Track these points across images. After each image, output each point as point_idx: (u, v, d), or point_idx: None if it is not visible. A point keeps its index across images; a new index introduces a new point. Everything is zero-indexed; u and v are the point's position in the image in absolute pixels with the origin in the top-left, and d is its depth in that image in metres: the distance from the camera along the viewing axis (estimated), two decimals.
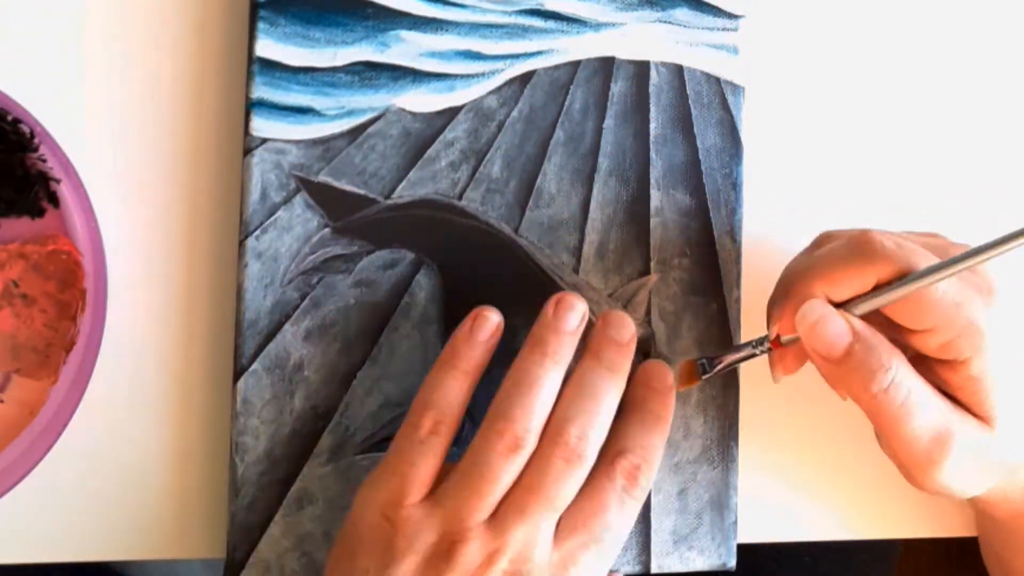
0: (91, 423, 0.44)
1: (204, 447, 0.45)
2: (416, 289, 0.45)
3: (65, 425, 0.42)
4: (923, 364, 0.41)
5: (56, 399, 0.42)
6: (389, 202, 0.45)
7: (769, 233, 0.50)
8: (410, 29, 0.45)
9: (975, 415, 0.41)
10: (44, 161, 0.41)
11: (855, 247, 0.40)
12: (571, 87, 0.47)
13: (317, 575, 0.44)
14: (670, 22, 0.47)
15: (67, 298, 0.42)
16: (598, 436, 0.40)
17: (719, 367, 0.44)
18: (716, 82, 0.48)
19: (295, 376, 0.44)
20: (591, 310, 0.46)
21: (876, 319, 0.41)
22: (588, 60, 0.47)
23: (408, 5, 0.45)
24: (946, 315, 0.39)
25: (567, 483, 0.39)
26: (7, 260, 0.42)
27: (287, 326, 0.44)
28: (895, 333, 0.41)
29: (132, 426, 0.44)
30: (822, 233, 0.44)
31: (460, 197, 0.45)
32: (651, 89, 0.47)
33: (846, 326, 0.40)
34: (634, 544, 0.47)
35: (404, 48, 0.45)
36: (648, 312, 0.47)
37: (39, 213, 0.42)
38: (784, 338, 0.42)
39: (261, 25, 0.43)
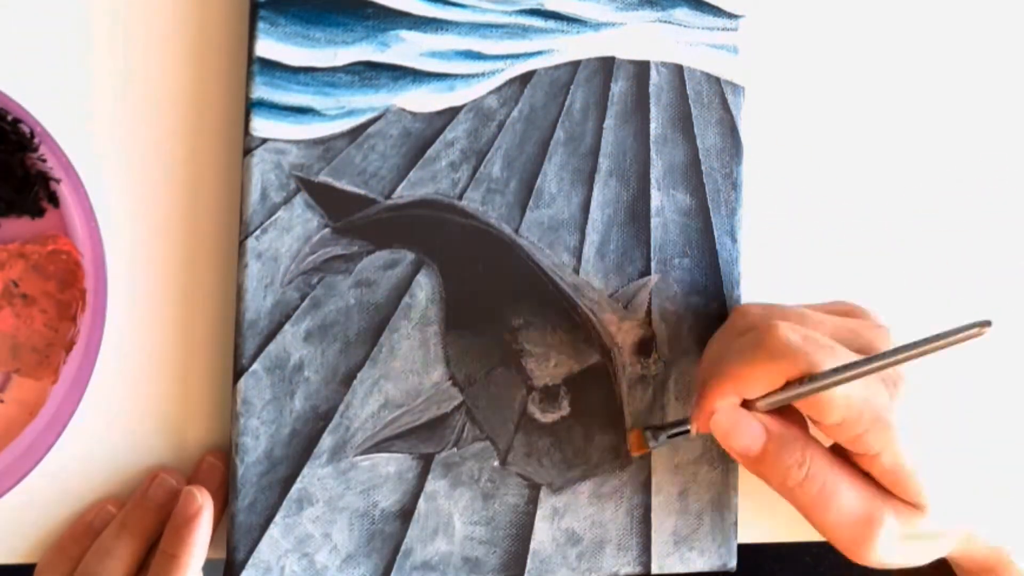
0: (91, 423, 0.44)
1: (204, 447, 0.45)
2: (416, 289, 0.45)
3: (65, 425, 0.42)
4: (851, 453, 0.42)
5: (56, 399, 0.42)
6: (389, 202, 0.45)
7: (769, 233, 0.50)
8: (410, 29, 0.45)
9: (901, 500, 0.41)
10: (44, 161, 0.41)
11: (762, 345, 0.40)
12: (571, 87, 0.47)
13: None
14: (670, 22, 0.47)
15: (67, 298, 0.42)
16: None
17: (664, 439, 0.45)
18: (716, 82, 0.48)
19: (295, 376, 0.44)
20: (591, 310, 0.47)
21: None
22: (588, 60, 0.47)
23: (408, 5, 0.45)
24: (852, 412, 0.39)
25: None
26: (7, 260, 0.42)
27: (287, 326, 0.44)
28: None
29: (132, 426, 0.44)
30: (736, 309, 0.45)
31: (460, 197, 0.45)
32: (651, 89, 0.47)
33: (760, 429, 0.41)
34: (635, 545, 0.47)
35: (404, 48, 0.45)
36: (649, 312, 0.47)
37: (39, 213, 0.42)
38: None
39: (261, 25, 0.43)
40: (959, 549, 0.44)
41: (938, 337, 0.38)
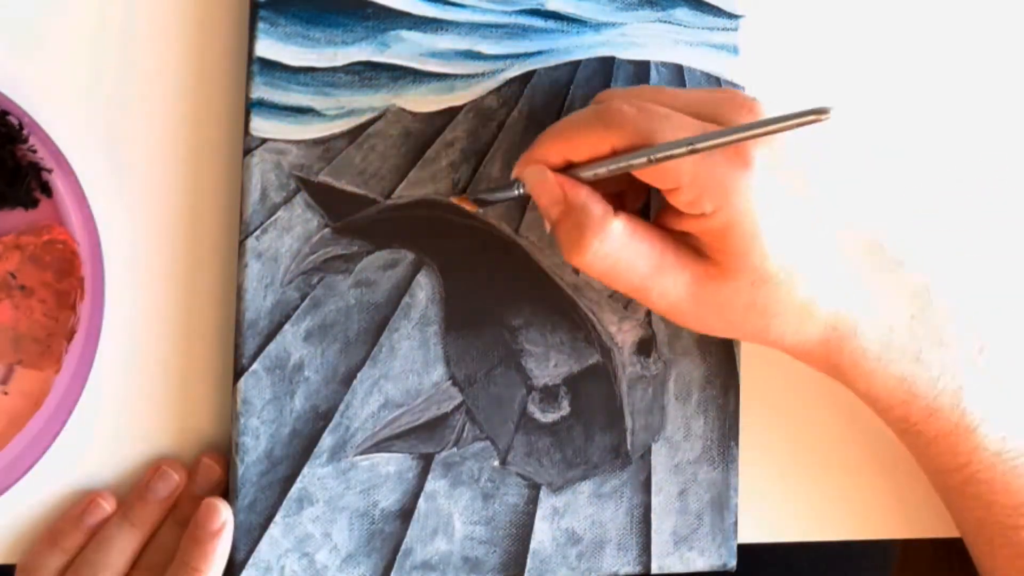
0: (95, 412, 0.44)
1: (204, 447, 0.45)
2: (416, 289, 0.45)
3: (70, 414, 0.42)
4: (676, 215, 0.41)
5: (60, 388, 0.42)
6: (389, 202, 0.45)
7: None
8: (410, 29, 0.45)
9: (712, 261, 0.41)
10: (35, 152, 0.41)
11: (597, 114, 0.40)
12: (571, 87, 0.47)
13: None
14: (670, 22, 0.47)
15: (65, 287, 0.42)
16: None
17: (492, 196, 0.45)
18: (716, 82, 0.48)
19: (295, 376, 0.44)
20: (591, 310, 0.47)
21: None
22: (588, 60, 0.47)
23: (408, 5, 0.45)
24: (684, 178, 0.39)
25: None
26: (3, 252, 0.42)
27: (287, 326, 0.44)
28: None
29: (132, 427, 0.44)
30: (604, 91, 0.44)
31: None
32: None
33: (559, 194, 0.41)
34: (634, 545, 0.47)
35: (404, 48, 0.45)
36: (649, 312, 0.47)
37: (33, 204, 0.42)
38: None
39: (261, 25, 0.43)
40: (790, 339, 0.43)
41: (776, 120, 0.37)
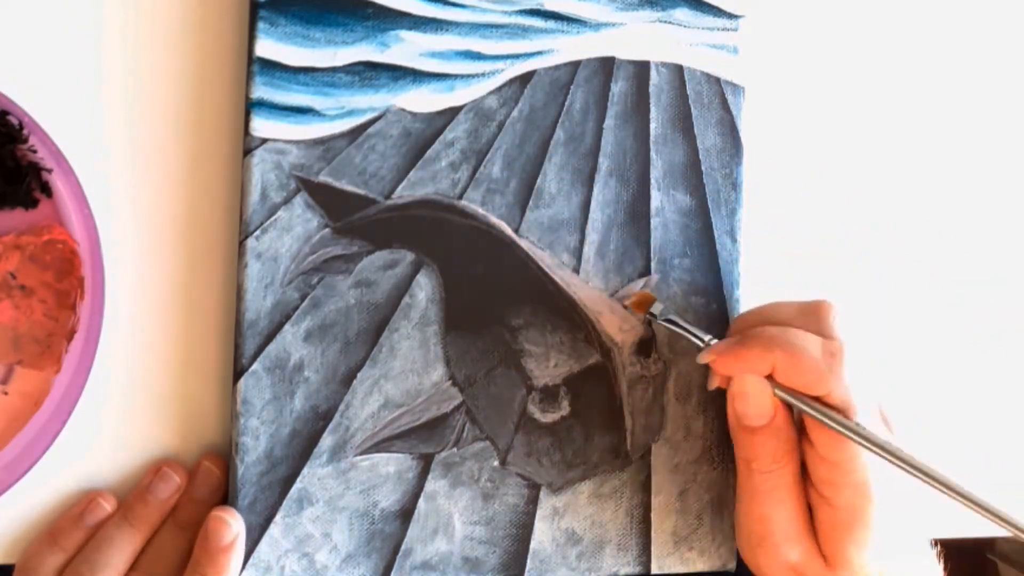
0: (95, 411, 0.44)
1: (204, 448, 0.45)
2: (416, 289, 0.45)
3: (70, 413, 0.42)
4: (810, 485, 0.43)
5: (60, 388, 0.42)
6: (389, 202, 0.45)
7: (769, 233, 0.50)
8: (410, 29, 0.45)
9: (817, 546, 0.42)
10: (35, 152, 0.41)
11: (827, 360, 0.41)
12: (571, 87, 0.47)
13: None
14: (670, 22, 0.47)
15: (65, 287, 0.42)
16: None
17: (667, 324, 0.45)
18: (716, 82, 0.48)
19: (295, 376, 0.44)
20: (591, 310, 0.47)
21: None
22: (588, 60, 0.47)
23: (408, 5, 0.45)
24: (849, 464, 0.40)
25: None
26: (3, 252, 0.42)
27: (287, 326, 0.44)
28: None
29: (132, 427, 0.44)
30: (823, 303, 0.44)
31: (460, 197, 0.45)
32: (651, 89, 0.47)
33: (772, 411, 0.42)
34: (635, 545, 0.47)
35: (404, 48, 0.45)
36: None
37: (32, 204, 0.42)
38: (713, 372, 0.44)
39: (261, 25, 0.43)
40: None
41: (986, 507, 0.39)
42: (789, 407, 0.42)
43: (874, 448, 0.40)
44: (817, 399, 0.41)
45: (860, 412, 0.40)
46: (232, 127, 0.45)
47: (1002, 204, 0.53)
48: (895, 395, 0.51)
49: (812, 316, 0.43)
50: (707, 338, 0.44)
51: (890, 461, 0.39)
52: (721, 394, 0.48)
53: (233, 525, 0.42)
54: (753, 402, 0.42)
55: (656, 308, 0.45)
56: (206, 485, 0.43)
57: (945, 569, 0.47)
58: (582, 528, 0.47)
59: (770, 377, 0.42)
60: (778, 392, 0.42)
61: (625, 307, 0.47)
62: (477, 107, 0.46)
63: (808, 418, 0.41)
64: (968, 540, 0.52)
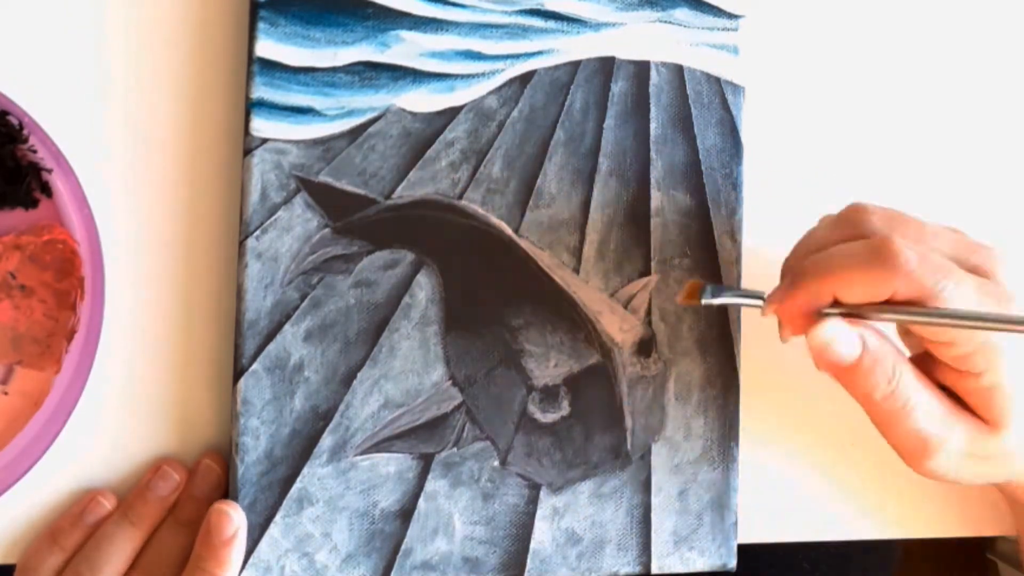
0: (95, 412, 0.44)
1: (204, 448, 0.45)
2: (416, 289, 0.45)
3: (70, 414, 0.42)
4: (936, 364, 0.42)
5: (60, 388, 0.42)
6: (389, 202, 0.45)
7: (769, 233, 0.50)
8: (410, 29, 0.45)
9: (981, 418, 0.41)
10: (35, 152, 0.41)
11: (877, 255, 0.39)
12: (571, 87, 0.47)
13: None
14: (670, 22, 0.47)
15: (65, 287, 0.42)
16: None
17: (720, 301, 0.44)
18: (716, 82, 0.48)
19: (295, 376, 0.44)
20: (591, 310, 0.47)
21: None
22: (588, 60, 0.47)
23: (408, 5, 0.45)
24: (963, 334, 0.39)
25: None
26: (3, 252, 0.42)
27: (287, 326, 0.44)
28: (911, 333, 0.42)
29: (132, 427, 0.44)
30: (854, 206, 0.42)
31: (460, 197, 0.45)
32: (651, 89, 0.47)
33: (858, 343, 0.40)
34: (635, 545, 0.47)
35: (404, 48, 0.45)
36: (649, 312, 0.47)
37: (33, 204, 0.42)
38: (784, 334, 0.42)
39: (261, 25, 0.43)
40: (1020, 477, 0.44)
41: None
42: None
43: (965, 324, 0.38)
44: (890, 301, 0.39)
45: (939, 280, 0.38)
46: (232, 127, 0.45)
47: (1003, 204, 0.53)
48: None
49: (847, 225, 0.42)
50: (763, 295, 0.43)
51: (984, 328, 0.38)
52: (721, 394, 0.48)
53: (235, 518, 0.42)
54: (835, 346, 0.40)
55: (705, 294, 0.43)
56: (206, 482, 0.44)
57: (945, 569, 0.47)
58: (582, 528, 0.47)
59: (836, 303, 0.40)
60: (872, 318, 0.40)
61: (680, 304, 0.45)
62: (477, 107, 0.46)
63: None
64: (968, 540, 0.52)
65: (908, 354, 0.42)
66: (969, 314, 0.38)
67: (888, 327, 0.43)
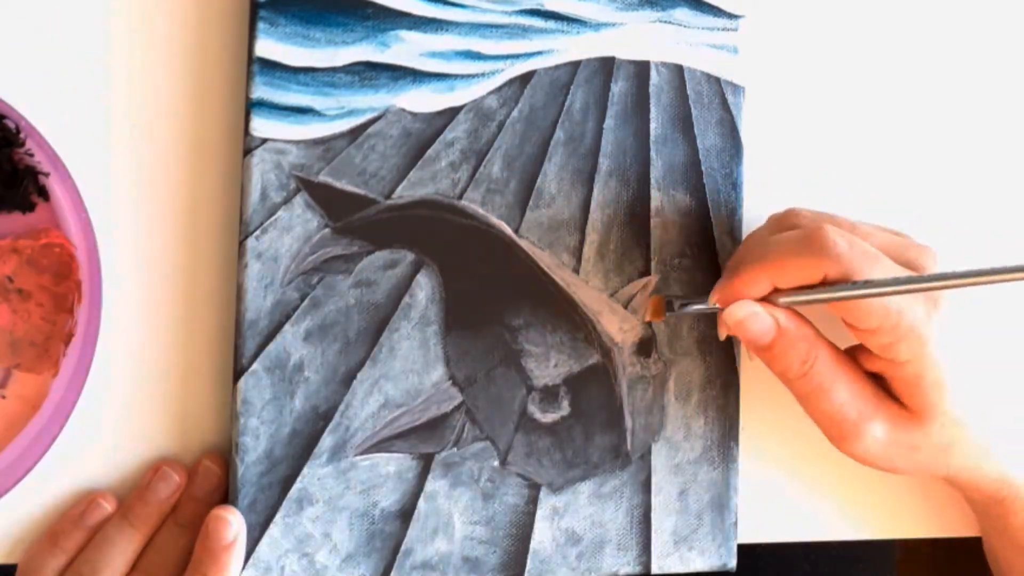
0: (93, 415, 0.44)
1: (204, 448, 0.45)
2: (416, 289, 0.45)
3: (68, 417, 0.42)
4: (866, 354, 0.43)
5: (58, 392, 0.42)
6: (389, 202, 0.45)
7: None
8: (410, 29, 0.45)
9: (908, 407, 0.43)
10: (32, 156, 0.41)
11: (807, 242, 0.41)
12: (571, 87, 0.47)
13: None
14: (670, 22, 0.47)
15: (63, 290, 0.42)
16: None
17: (685, 310, 0.46)
18: (716, 82, 0.48)
19: (295, 376, 0.44)
20: (591, 310, 0.47)
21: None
22: (588, 60, 0.47)
23: (408, 5, 0.45)
24: (888, 321, 0.40)
25: None
26: (0, 256, 0.42)
27: (287, 326, 0.44)
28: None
29: (131, 428, 0.44)
30: (789, 210, 0.45)
31: (460, 197, 0.45)
32: (651, 89, 0.47)
33: (771, 323, 0.42)
34: (634, 545, 0.47)
35: (404, 48, 0.45)
36: None
37: (30, 207, 0.42)
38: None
39: (261, 25, 0.43)
40: (965, 475, 0.45)
41: (987, 272, 0.38)
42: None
43: (893, 291, 0.39)
44: (823, 283, 0.41)
45: (868, 264, 0.40)
46: (232, 127, 0.45)
47: (1004, 203, 0.53)
48: None
49: (784, 223, 0.44)
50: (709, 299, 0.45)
51: (912, 290, 0.39)
52: (721, 394, 0.48)
53: (234, 523, 0.42)
54: (748, 324, 0.42)
55: (670, 308, 0.46)
56: (206, 484, 0.43)
57: (944, 569, 0.47)
58: (582, 528, 0.47)
59: (777, 291, 0.42)
60: (782, 301, 0.42)
61: (647, 322, 0.47)
62: (477, 107, 0.46)
63: (829, 305, 0.41)
64: (968, 540, 0.52)
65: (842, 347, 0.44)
66: (887, 281, 0.40)
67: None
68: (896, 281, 0.39)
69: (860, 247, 0.41)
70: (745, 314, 0.42)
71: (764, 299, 0.43)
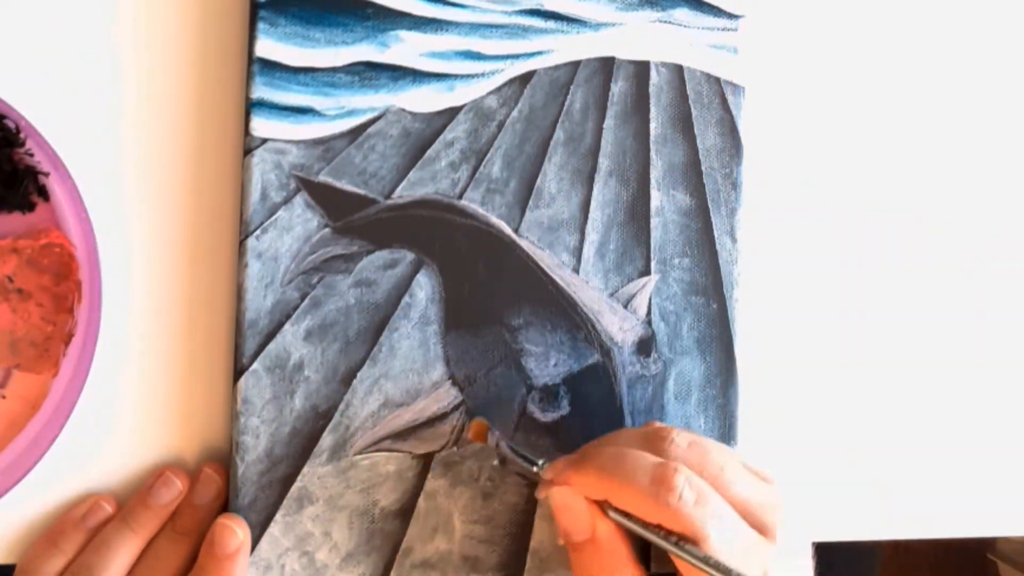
0: (93, 415, 0.44)
1: (204, 447, 0.45)
2: (416, 289, 0.45)
3: (68, 417, 0.42)
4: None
5: (57, 392, 0.42)
6: (389, 202, 0.45)
7: (769, 233, 0.50)
8: (410, 29, 0.45)
9: None
10: (32, 156, 0.41)
11: (656, 482, 0.39)
12: (571, 87, 0.47)
13: (317, 575, 0.44)
14: (670, 22, 0.47)
15: (63, 290, 0.42)
16: None
17: (502, 450, 0.44)
18: (716, 82, 0.48)
19: (295, 376, 0.44)
20: (591, 310, 0.47)
21: None
22: (588, 60, 0.47)
23: (408, 5, 0.45)
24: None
25: None
26: (1, 256, 0.42)
27: (287, 326, 0.44)
28: None
29: (131, 428, 0.44)
30: (663, 428, 0.42)
31: (460, 197, 0.46)
32: (651, 89, 0.47)
33: (588, 528, 0.41)
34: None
35: (404, 48, 0.45)
36: (649, 312, 0.47)
37: (30, 208, 0.42)
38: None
39: (261, 25, 0.43)
40: None
41: None
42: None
43: (712, 573, 0.38)
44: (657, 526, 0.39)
45: (709, 527, 0.38)
46: (232, 127, 0.45)
47: (1004, 203, 0.53)
48: (893, 396, 0.51)
49: (651, 439, 0.42)
50: (540, 462, 0.43)
51: None
52: (720, 395, 0.48)
53: (239, 533, 0.42)
54: (568, 516, 0.41)
55: (490, 438, 0.44)
56: (207, 491, 0.44)
57: (945, 569, 0.47)
58: None
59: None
60: (612, 514, 0.40)
61: (468, 440, 0.46)
62: (477, 107, 0.46)
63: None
64: (969, 540, 0.52)
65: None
66: (716, 565, 0.38)
67: None
68: (722, 568, 0.38)
69: (706, 504, 0.39)
70: (565, 503, 0.41)
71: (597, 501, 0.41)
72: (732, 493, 0.40)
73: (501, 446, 0.44)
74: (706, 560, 0.38)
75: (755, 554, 0.39)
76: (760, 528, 0.40)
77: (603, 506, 0.41)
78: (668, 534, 0.39)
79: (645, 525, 0.39)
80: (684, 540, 0.38)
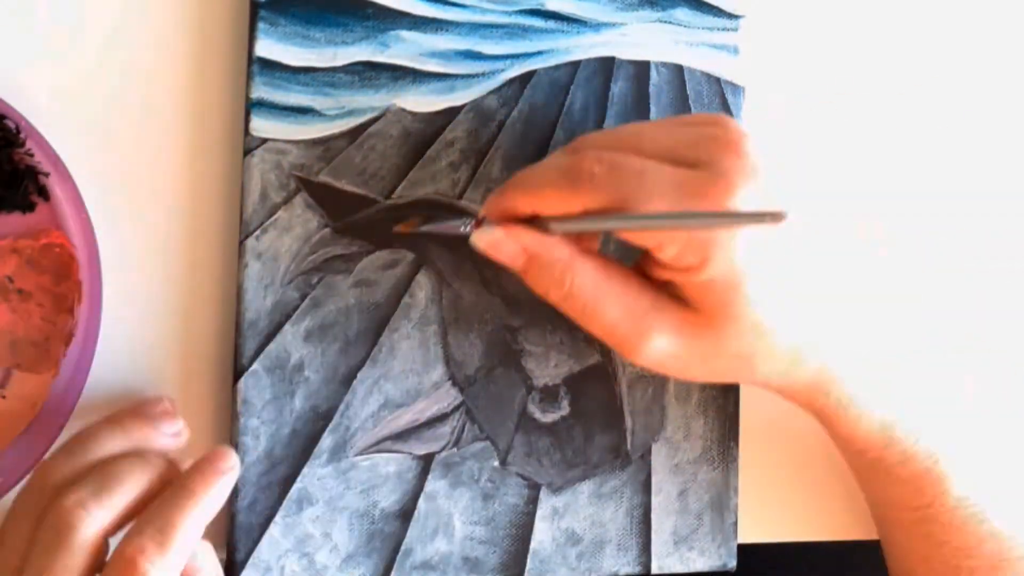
0: (93, 416, 0.44)
1: (204, 447, 0.45)
2: (416, 289, 0.45)
3: (68, 418, 0.42)
4: (655, 264, 0.40)
5: (58, 392, 0.42)
6: (389, 202, 0.45)
7: (769, 233, 0.49)
8: (410, 29, 0.45)
9: (698, 311, 0.40)
10: (32, 156, 0.41)
11: (565, 173, 0.38)
12: (571, 87, 0.47)
13: None
14: (670, 22, 0.47)
15: (63, 291, 0.42)
16: (102, 510, 0.37)
17: (424, 228, 0.44)
18: (716, 82, 0.48)
19: (295, 376, 0.44)
20: None
21: None
22: (588, 60, 0.47)
23: (408, 5, 0.45)
24: (665, 233, 0.38)
25: (55, 552, 0.37)
26: (1, 256, 0.42)
27: (287, 326, 0.44)
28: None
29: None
30: (582, 136, 0.42)
31: (460, 197, 0.46)
32: (651, 89, 0.47)
33: (517, 249, 0.40)
34: (634, 545, 0.47)
35: (404, 48, 0.45)
36: None
37: (30, 208, 0.42)
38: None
39: (261, 25, 0.43)
40: (776, 381, 0.42)
41: (736, 216, 0.37)
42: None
43: (655, 224, 0.37)
44: (587, 213, 0.38)
45: (627, 189, 0.37)
46: (232, 127, 0.45)
47: (1004, 200, 0.53)
48: (897, 389, 0.51)
49: (568, 147, 0.41)
50: (464, 218, 0.43)
51: (673, 226, 0.37)
52: (721, 394, 0.48)
53: (233, 457, 0.40)
54: (493, 252, 0.40)
55: (421, 225, 0.44)
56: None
57: None
58: (582, 528, 0.47)
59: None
60: (553, 227, 0.39)
61: (400, 232, 0.45)
62: (477, 107, 0.46)
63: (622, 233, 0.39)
64: None
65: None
66: (654, 215, 0.37)
67: None
68: (667, 216, 0.37)
69: (619, 168, 0.38)
70: (488, 241, 0.40)
71: (537, 223, 0.40)
72: (653, 148, 0.39)
73: (427, 226, 0.43)
74: (645, 218, 0.37)
75: (703, 191, 0.37)
76: (696, 164, 0.38)
77: (544, 224, 0.39)
78: (603, 218, 0.38)
79: (582, 219, 0.38)
80: (620, 213, 0.37)
